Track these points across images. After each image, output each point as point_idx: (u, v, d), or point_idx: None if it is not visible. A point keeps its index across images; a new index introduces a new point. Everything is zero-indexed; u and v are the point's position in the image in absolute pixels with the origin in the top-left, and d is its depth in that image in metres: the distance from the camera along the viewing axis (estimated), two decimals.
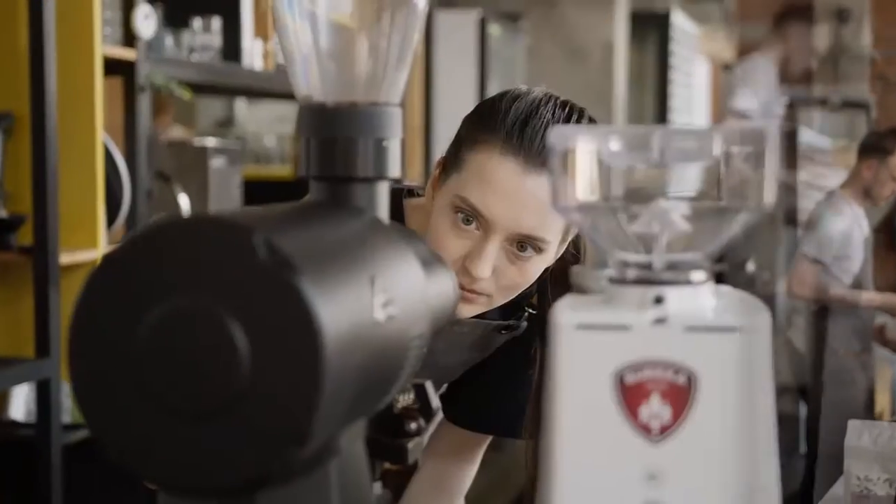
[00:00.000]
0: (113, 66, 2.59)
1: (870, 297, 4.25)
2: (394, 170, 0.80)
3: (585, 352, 0.67)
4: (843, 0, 8.98)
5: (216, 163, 2.99)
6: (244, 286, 0.59)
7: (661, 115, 7.39)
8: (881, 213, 9.74)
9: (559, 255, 1.32)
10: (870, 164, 4.19)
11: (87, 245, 2.48)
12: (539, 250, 1.24)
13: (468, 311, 1.27)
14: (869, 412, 4.20)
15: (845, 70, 9.11)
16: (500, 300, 1.28)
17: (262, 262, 0.59)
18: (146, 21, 2.60)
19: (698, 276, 0.69)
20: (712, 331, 0.66)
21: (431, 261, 0.83)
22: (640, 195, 0.70)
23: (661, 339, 0.66)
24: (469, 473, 1.54)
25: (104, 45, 2.53)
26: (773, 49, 4.41)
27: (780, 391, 4.25)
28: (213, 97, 4.43)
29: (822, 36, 7.61)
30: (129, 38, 2.62)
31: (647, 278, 0.69)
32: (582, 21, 5.31)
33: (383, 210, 0.79)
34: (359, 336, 0.64)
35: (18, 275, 2.41)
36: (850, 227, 4.17)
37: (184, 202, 2.88)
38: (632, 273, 0.69)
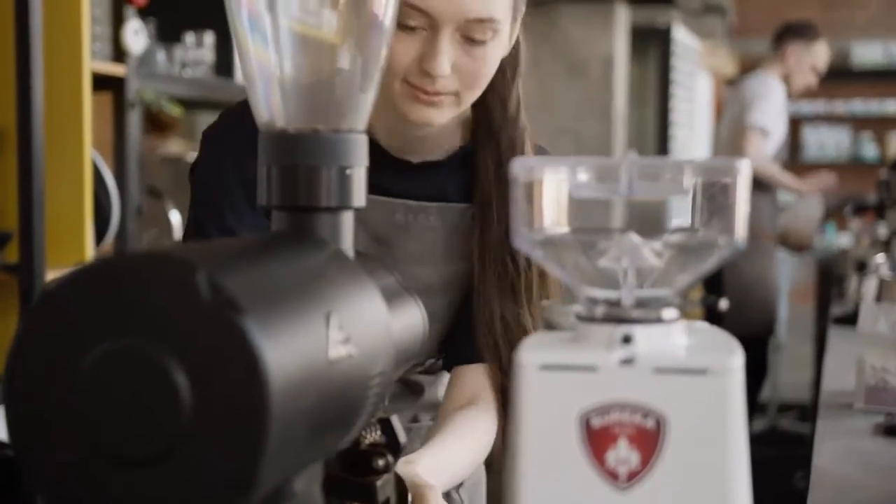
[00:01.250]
0: (103, 82, 2.57)
1: (799, 182, 4.43)
2: (358, 199, 0.77)
3: (550, 393, 0.64)
4: None
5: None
6: (186, 326, 0.56)
7: (663, 130, 7.36)
8: None
9: (514, 39, 1.28)
10: (795, 50, 4.30)
11: (75, 263, 2.45)
12: (492, 32, 1.19)
13: (438, 115, 1.23)
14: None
15: None
16: (469, 97, 1.23)
17: (205, 300, 0.56)
18: (136, 37, 2.58)
19: (669, 313, 0.66)
20: (682, 373, 0.63)
21: (397, 293, 0.80)
22: (608, 228, 0.68)
23: (628, 381, 0.63)
24: (493, 420, 1.32)
25: (93, 61, 2.50)
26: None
27: None
28: (209, 111, 4.40)
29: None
30: (119, 54, 2.60)
31: (616, 316, 0.66)
32: (582, 36, 5.28)
33: (347, 240, 0.76)
34: (311, 377, 0.61)
35: (4, 293, 2.38)
36: (781, 105, 4.33)
37: (175, 218, 2.85)
38: (600, 310, 0.66)
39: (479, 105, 1.30)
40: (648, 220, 0.67)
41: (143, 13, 2.71)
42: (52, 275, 2.36)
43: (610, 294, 0.67)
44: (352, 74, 0.78)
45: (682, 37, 7.49)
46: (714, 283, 4.28)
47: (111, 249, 2.64)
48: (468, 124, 1.35)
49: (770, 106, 4.24)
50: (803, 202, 4.69)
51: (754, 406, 4.67)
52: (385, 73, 1.18)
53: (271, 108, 0.77)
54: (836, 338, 2.68)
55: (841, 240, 7.70)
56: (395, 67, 1.20)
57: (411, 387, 1.44)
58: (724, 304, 0.63)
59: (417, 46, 1.19)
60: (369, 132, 1.25)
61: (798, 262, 6.10)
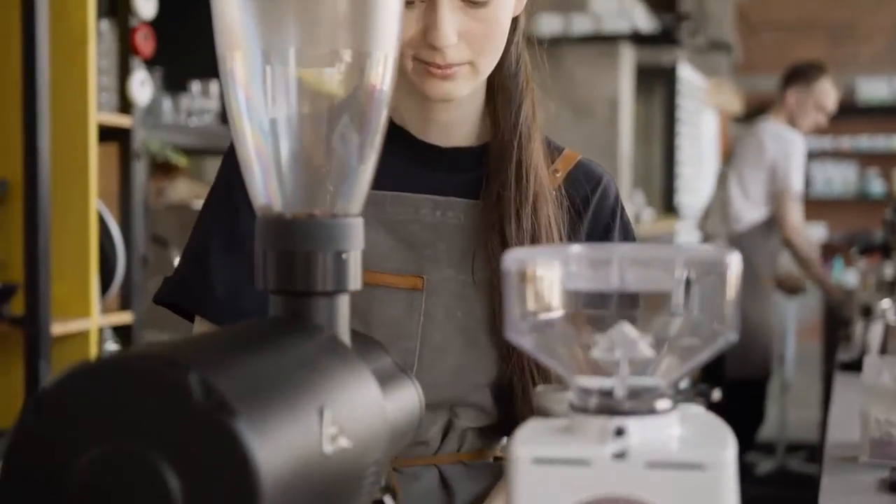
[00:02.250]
0: (109, 133, 2.58)
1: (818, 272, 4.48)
2: (354, 282, 0.77)
3: (544, 487, 0.64)
4: None
5: None
6: (179, 429, 0.57)
7: (669, 168, 7.38)
8: None
9: None
10: (795, 92, 4.34)
11: (81, 314, 2.46)
12: None
13: (455, 88, 1.16)
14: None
15: (710, 9, 9.14)
16: (485, 63, 1.17)
17: (198, 403, 0.57)
18: (142, 88, 2.59)
19: (662, 404, 0.66)
20: (675, 467, 0.63)
21: (392, 374, 0.80)
22: (601, 319, 0.68)
23: (621, 475, 0.63)
24: None
25: (100, 113, 2.52)
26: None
27: None
28: (216, 157, 4.42)
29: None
30: (126, 105, 2.62)
31: (609, 408, 0.66)
32: (587, 77, 5.30)
33: (343, 324, 0.77)
34: (304, 473, 0.61)
35: (9, 345, 2.39)
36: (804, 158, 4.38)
37: None
38: (592, 401, 0.66)
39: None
40: (641, 311, 0.68)
41: (150, 63, 2.73)
42: (57, 327, 2.36)
43: (603, 383, 0.67)
44: (348, 158, 0.78)
45: (688, 75, 7.52)
46: None
47: (116, 300, 2.65)
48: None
49: (801, 166, 4.28)
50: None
51: (752, 447, 4.65)
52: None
53: (268, 192, 0.78)
54: (842, 385, 2.67)
55: (847, 276, 7.70)
56: (401, 46, 1.18)
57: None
58: (717, 394, 0.63)
59: (419, 20, 1.13)
60: (395, 118, 1.25)
61: (805, 298, 6.09)
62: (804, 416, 5.63)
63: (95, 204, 2.46)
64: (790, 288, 4.94)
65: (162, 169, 3.61)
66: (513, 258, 0.67)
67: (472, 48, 1.14)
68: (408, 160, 1.25)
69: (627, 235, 1.25)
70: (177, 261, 2.89)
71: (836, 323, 4.67)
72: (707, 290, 0.65)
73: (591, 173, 1.30)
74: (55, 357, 2.37)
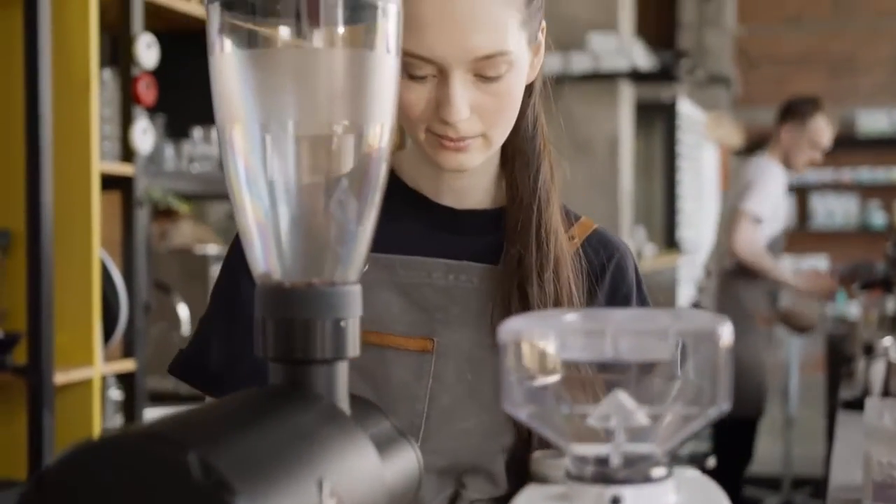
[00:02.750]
0: (111, 181, 2.60)
1: (794, 278, 4.45)
2: (353, 349, 0.78)
3: None
4: None
5: (217, 271, 2.99)
6: None
7: (670, 203, 7.40)
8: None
9: (538, 62, 1.20)
10: (788, 129, 4.35)
11: (83, 363, 2.47)
12: (507, 65, 1.12)
13: (468, 159, 1.16)
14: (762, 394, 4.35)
15: (709, 43, 9.19)
16: (498, 135, 1.16)
17: (197, 483, 0.57)
18: (144, 136, 2.61)
19: (658, 472, 0.67)
20: None
21: (391, 438, 0.81)
22: (596, 388, 0.69)
23: None
24: None
25: (102, 162, 2.54)
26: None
27: None
28: (218, 201, 4.45)
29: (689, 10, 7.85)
30: (128, 153, 2.64)
31: (605, 476, 0.66)
32: (587, 115, 5.33)
33: (342, 391, 0.78)
34: None
35: (12, 395, 2.40)
36: (781, 192, 4.37)
37: (183, 312, 2.87)
38: (588, 469, 0.67)
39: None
40: (636, 379, 0.68)
41: (152, 110, 2.76)
42: (60, 376, 2.37)
43: (599, 450, 0.68)
44: (347, 227, 0.79)
45: (687, 109, 7.56)
46: None
47: (119, 348, 2.65)
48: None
49: (766, 194, 4.27)
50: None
51: (739, 486, 4.59)
52: (406, 123, 1.17)
53: (267, 261, 0.79)
54: (845, 424, 2.67)
55: (851, 308, 7.70)
56: (412, 118, 1.14)
57: None
58: (711, 462, 0.64)
59: (431, 94, 1.12)
60: (409, 182, 1.25)
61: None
62: (810, 451, 5.61)
63: (98, 252, 2.47)
64: (796, 326, 4.92)
65: (165, 212, 3.63)
66: (508, 329, 0.68)
67: (484, 121, 1.14)
68: (422, 223, 1.25)
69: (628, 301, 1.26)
70: (180, 307, 2.91)
71: (839, 358, 4.67)
72: (700, 360, 0.66)
73: (608, 242, 1.28)
74: (58, 406, 2.38)
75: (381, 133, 0.80)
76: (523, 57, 1.15)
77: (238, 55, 0.76)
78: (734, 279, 4.36)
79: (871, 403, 1.91)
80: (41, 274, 2.31)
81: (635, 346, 0.67)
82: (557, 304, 1.18)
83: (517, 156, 1.24)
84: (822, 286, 4.69)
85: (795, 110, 4.42)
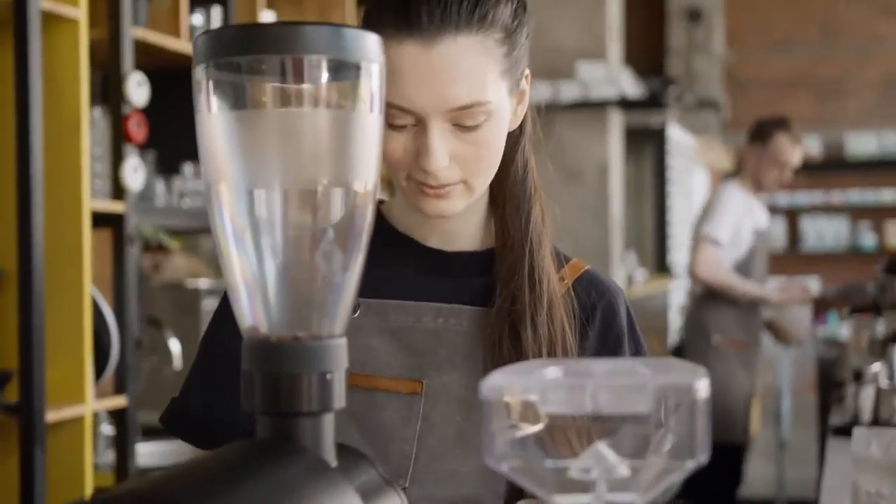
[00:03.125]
0: (102, 218, 2.61)
1: (768, 291, 4.42)
2: (339, 401, 0.80)
3: None
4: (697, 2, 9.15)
5: (209, 304, 3.00)
6: None
7: (660, 227, 7.43)
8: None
9: (522, 110, 1.22)
10: (753, 151, 4.38)
11: (75, 400, 2.47)
12: (485, 115, 1.13)
13: (450, 206, 1.17)
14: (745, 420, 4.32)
15: (698, 68, 9.24)
16: (481, 182, 1.17)
17: None
18: (135, 174, 2.63)
19: None
20: None
21: (378, 487, 0.82)
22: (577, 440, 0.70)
23: None
24: None
25: (93, 200, 2.55)
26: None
27: None
28: (209, 235, 4.47)
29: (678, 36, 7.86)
30: (119, 191, 2.65)
31: None
32: (577, 142, 5.36)
33: (328, 443, 0.79)
34: None
35: (4, 433, 2.40)
36: (741, 213, 4.35)
37: (175, 347, 2.88)
38: None
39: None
40: (616, 431, 0.70)
41: (143, 146, 2.77)
42: (52, 414, 2.37)
43: (581, 500, 0.69)
44: (332, 282, 0.81)
45: (677, 135, 7.60)
46: None
47: (111, 383, 2.66)
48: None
49: (725, 217, 4.28)
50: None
51: None
52: (389, 170, 1.19)
53: (254, 315, 0.80)
54: (835, 451, 2.67)
55: (842, 330, 7.72)
56: (394, 165, 1.16)
57: None
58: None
59: (410, 142, 1.14)
60: (399, 227, 1.26)
61: (798, 355, 6.11)
62: (803, 474, 5.62)
63: (89, 290, 2.48)
64: (782, 338, 4.90)
65: (158, 244, 3.64)
66: (491, 384, 0.69)
67: (464, 169, 1.15)
68: (412, 267, 1.26)
69: (639, 351, 1.26)
70: (171, 341, 2.91)
71: (830, 381, 4.67)
72: (679, 413, 0.68)
73: (599, 283, 1.28)
74: (50, 443, 2.38)
75: (365, 188, 0.81)
76: (504, 106, 1.16)
77: (225, 115, 0.78)
78: (702, 305, 4.38)
79: (859, 433, 1.91)
80: (32, 312, 2.32)
81: (615, 400, 0.69)
82: (551, 346, 1.19)
83: (508, 199, 1.25)
84: (794, 294, 4.67)
85: (759, 131, 4.44)
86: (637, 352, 1.26)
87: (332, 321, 0.80)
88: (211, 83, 0.77)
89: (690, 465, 0.69)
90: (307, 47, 0.76)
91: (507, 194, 1.25)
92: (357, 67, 0.78)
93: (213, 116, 0.78)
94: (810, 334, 5.06)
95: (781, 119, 4.51)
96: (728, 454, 4.32)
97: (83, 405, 2.48)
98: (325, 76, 0.77)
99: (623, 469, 0.69)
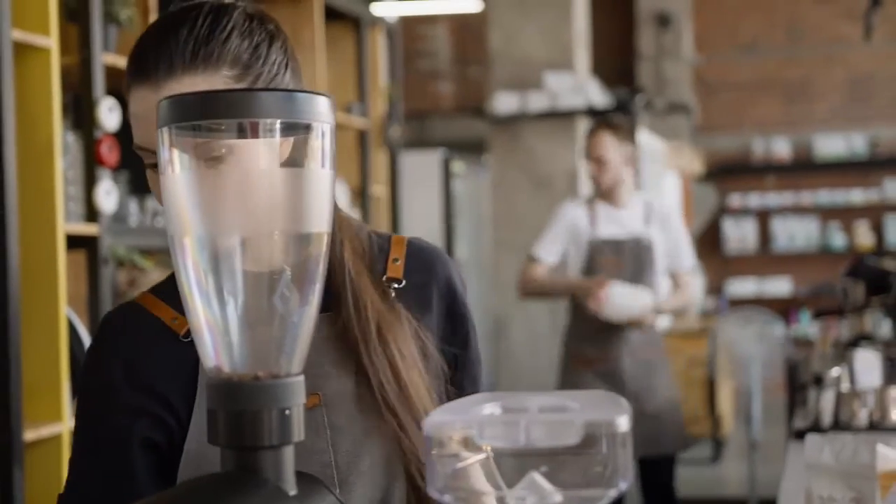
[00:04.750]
0: (76, 241, 2.67)
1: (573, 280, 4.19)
2: (298, 434, 0.86)
3: None
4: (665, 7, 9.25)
5: None
6: None
7: None
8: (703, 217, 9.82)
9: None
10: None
11: (52, 419, 2.52)
12: (228, 148, 1.11)
13: None
14: None
15: (668, 73, 9.36)
16: None
17: None
18: (108, 197, 2.69)
19: None
20: None
21: None
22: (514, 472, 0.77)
23: None
24: None
25: (68, 222, 2.60)
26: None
27: None
28: None
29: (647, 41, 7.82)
30: (92, 213, 2.70)
31: None
32: (546, 151, 5.44)
33: (288, 473, 0.85)
34: None
35: None
36: (566, 226, 4.16)
37: None
38: None
39: None
40: (549, 462, 0.77)
41: (115, 169, 2.83)
42: (29, 433, 2.43)
43: None
44: (289, 324, 0.87)
45: (648, 140, 7.68)
46: None
47: None
48: None
49: (548, 232, 4.16)
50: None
51: None
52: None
53: (217, 356, 0.87)
54: (794, 454, 2.73)
55: (813, 329, 7.81)
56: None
57: None
58: None
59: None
60: None
61: (769, 354, 6.18)
62: (775, 473, 5.70)
63: (65, 311, 2.53)
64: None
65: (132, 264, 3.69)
66: (431, 423, 0.76)
67: None
68: None
69: (464, 315, 1.33)
70: None
71: (798, 382, 4.73)
72: (605, 444, 0.75)
73: (428, 253, 1.34)
74: (28, 462, 2.43)
75: (319, 234, 0.88)
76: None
77: (186, 173, 0.84)
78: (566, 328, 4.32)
79: (812, 439, 1.97)
80: (9, 333, 2.37)
81: (547, 434, 0.76)
82: (392, 365, 1.24)
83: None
84: (589, 284, 4.18)
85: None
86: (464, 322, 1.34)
87: (289, 359, 0.87)
88: (174, 145, 0.83)
89: (613, 493, 0.76)
90: (262, 111, 0.82)
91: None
92: (308, 127, 0.85)
93: (176, 175, 0.84)
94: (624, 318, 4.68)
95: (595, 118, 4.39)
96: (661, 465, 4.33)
97: (60, 424, 2.53)
98: (278, 137, 0.84)
99: (556, 497, 0.76)
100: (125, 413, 1.22)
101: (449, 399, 1.27)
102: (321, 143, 0.86)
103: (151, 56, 1.18)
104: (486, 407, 0.78)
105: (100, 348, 1.27)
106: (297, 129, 0.85)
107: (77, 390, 1.30)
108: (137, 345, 1.24)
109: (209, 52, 1.18)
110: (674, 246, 4.28)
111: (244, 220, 0.85)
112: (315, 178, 0.86)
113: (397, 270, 1.31)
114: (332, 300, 1.26)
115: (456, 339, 1.34)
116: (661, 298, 4.26)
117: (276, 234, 0.85)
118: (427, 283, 1.33)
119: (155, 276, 3.97)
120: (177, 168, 0.85)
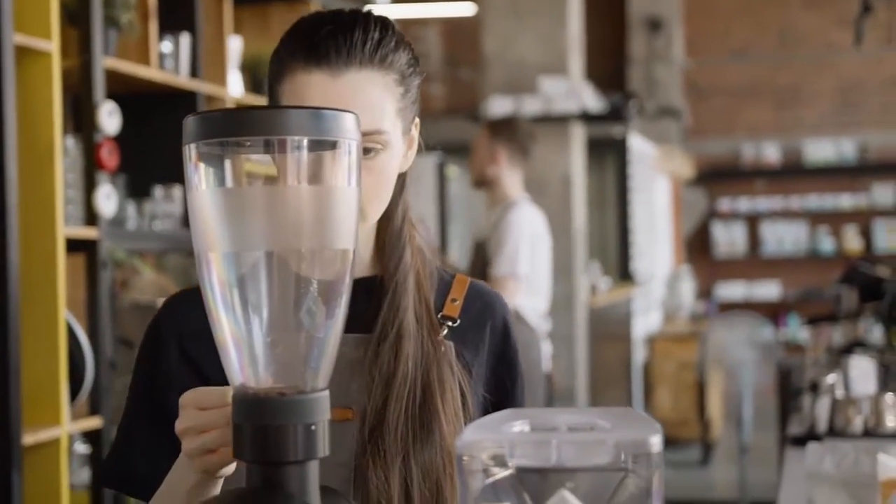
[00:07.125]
0: (76, 244, 2.66)
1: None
2: (323, 450, 0.86)
3: None
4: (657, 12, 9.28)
5: None
6: None
7: (623, 236, 7.53)
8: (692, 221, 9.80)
9: (412, 155, 1.28)
10: None
11: (51, 423, 2.52)
12: (383, 144, 1.20)
13: None
14: None
15: (659, 77, 9.38)
16: (372, 211, 1.22)
17: None
18: (107, 200, 2.68)
19: None
20: None
21: None
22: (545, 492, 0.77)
23: None
24: None
25: (67, 226, 2.60)
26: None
27: None
28: (180, 254, 4.50)
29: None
30: (91, 217, 2.70)
31: None
32: (540, 155, 5.43)
33: (313, 488, 0.86)
34: None
35: None
36: (522, 233, 4.04)
37: None
38: None
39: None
40: (579, 480, 0.77)
41: (114, 172, 2.82)
42: (28, 437, 2.42)
43: None
44: (314, 342, 0.87)
45: (638, 144, 7.70)
46: None
47: (85, 405, 2.71)
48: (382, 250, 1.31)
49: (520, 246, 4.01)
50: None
51: None
52: None
53: (244, 373, 0.87)
54: (792, 461, 2.74)
55: (802, 333, 7.83)
56: None
57: None
58: None
59: None
60: None
61: (760, 358, 6.20)
62: (765, 476, 5.72)
63: (64, 314, 2.53)
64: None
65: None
66: (464, 442, 0.76)
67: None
68: None
69: (514, 363, 1.33)
70: None
71: (789, 386, 4.74)
72: (637, 463, 0.75)
73: (485, 296, 1.35)
74: (26, 466, 2.43)
75: (344, 250, 0.88)
76: (398, 142, 1.23)
77: (212, 191, 0.85)
78: None
79: (813, 448, 1.98)
80: (8, 337, 2.36)
81: (578, 453, 0.76)
82: (389, 378, 1.22)
83: (385, 243, 1.29)
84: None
85: None
86: (513, 366, 1.34)
87: (315, 375, 0.87)
88: (201, 162, 0.84)
89: None
90: (289, 129, 0.83)
91: (385, 237, 1.30)
92: (335, 144, 0.85)
93: (203, 192, 0.84)
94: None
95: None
96: None
97: (59, 427, 2.52)
98: (305, 154, 0.84)
99: None
100: (175, 389, 1.19)
101: None
102: (347, 159, 0.86)
103: (331, 44, 1.18)
104: (515, 424, 0.79)
105: (158, 325, 1.27)
106: (324, 146, 0.86)
107: (133, 363, 1.32)
108: (191, 324, 1.22)
109: (384, 56, 1.20)
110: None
111: (269, 235, 0.85)
112: (342, 195, 0.86)
113: (454, 310, 1.31)
114: (377, 323, 1.25)
115: (503, 383, 1.34)
116: None
117: (301, 248, 0.86)
118: (482, 325, 1.33)
119: (148, 277, 3.96)
120: (202, 184, 0.85)
